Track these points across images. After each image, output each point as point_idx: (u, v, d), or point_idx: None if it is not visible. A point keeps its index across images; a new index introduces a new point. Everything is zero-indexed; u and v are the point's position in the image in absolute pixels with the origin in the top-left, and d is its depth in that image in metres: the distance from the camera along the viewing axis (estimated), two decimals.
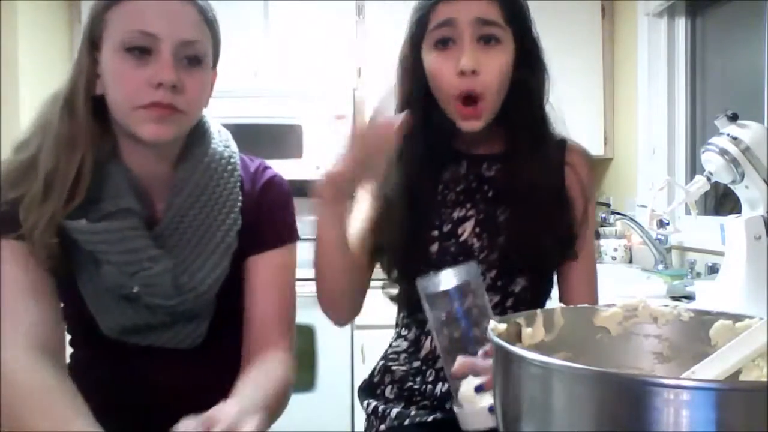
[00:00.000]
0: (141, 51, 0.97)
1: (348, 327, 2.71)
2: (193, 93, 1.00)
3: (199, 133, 1.10)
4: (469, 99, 1.06)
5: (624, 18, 3.09)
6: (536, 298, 1.16)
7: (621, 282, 2.28)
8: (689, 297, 1.93)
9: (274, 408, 1.00)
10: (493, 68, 1.06)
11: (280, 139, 2.96)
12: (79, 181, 0.99)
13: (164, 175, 1.07)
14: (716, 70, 2.68)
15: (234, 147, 1.15)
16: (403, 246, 1.12)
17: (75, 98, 1.01)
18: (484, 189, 1.15)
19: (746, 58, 2.45)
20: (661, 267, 2.56)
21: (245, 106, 2.91)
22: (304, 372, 2.72)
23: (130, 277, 1.01)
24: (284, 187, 1.17)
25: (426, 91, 1.11)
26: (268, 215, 1.13)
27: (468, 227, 1.13)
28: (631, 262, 2.94)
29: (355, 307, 1.17)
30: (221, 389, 0.95)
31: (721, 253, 1.72)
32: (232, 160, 1.12)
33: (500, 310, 1.12)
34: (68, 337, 1.13)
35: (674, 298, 1.96)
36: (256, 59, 3.02)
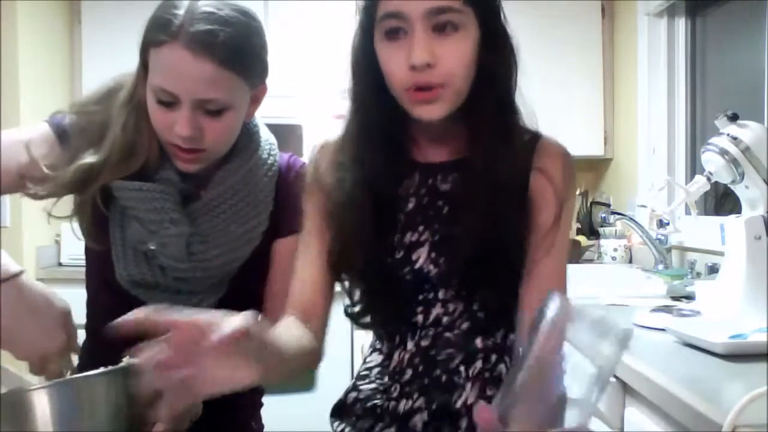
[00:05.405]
0: (166, 104, 1.04)
1: (348, 327, 2.71)
2: (215, 136, 1.07)
3: (246, 136, 1.18)
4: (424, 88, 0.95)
5: (624, 18, 3.09)
6: (500, 321, 1.05)
7: (621, 282, 2.28)
8: (689, 297, 1.93)
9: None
10: (451, 58, 0.94)
11: (280, 139, 2.92)
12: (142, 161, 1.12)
13: (212, 168, 1.15)
14: (716, 70, 2.68)
15: (277, 154, 1.24)
16: (360, 272, 1.05)
17: (139, 109, 1.10)
18: (438, 205, 1.03)
19: (746, 58, 2.45)
20: (661, 267, 2.55)
21: None
22: (303, 372, 2.70)
23: (150, 234, 1.10)
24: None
25: (381, 86, 0.99)
26: (294, 202, 1.19)
27: (423, 253, 1.01)
28: (631, 262, 2.94)
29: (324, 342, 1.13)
30: None
31: (721, 253, 1.72)
32: (273, 168, 1.20)
33: (466, 337, 1.03)
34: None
35: (674, 298, 1.96)
36: None
